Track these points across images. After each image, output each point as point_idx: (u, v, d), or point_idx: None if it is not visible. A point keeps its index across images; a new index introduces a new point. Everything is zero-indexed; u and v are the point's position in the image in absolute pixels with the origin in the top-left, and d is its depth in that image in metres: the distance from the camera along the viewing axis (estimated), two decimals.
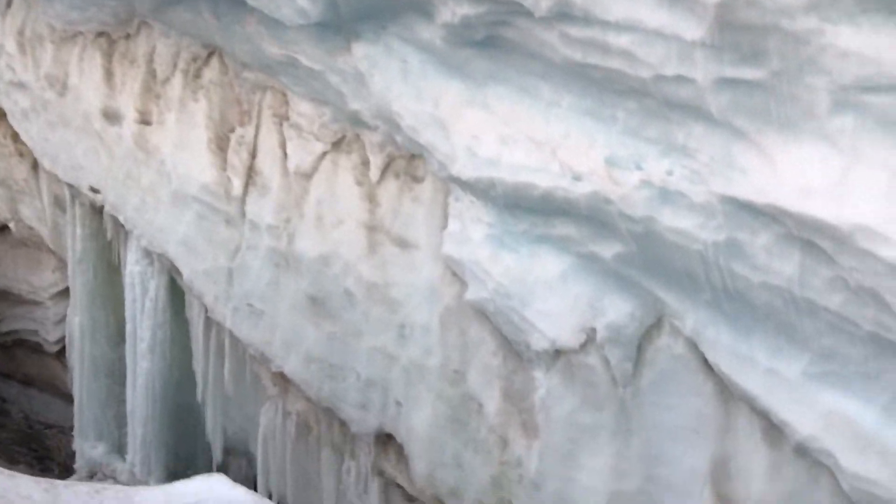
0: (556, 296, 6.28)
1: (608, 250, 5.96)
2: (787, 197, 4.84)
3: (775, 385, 5.30)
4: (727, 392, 5.67)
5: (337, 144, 7.68)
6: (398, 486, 7.94)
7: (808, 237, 4.83)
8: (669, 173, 5.42)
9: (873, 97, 4.56)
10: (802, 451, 5.28)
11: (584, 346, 6.23)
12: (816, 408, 5.14)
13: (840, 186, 4.69)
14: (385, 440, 7.86)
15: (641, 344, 6.02)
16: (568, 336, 6.26)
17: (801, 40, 4.67)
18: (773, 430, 5.43)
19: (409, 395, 7.40)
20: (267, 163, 8.23)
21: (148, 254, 9.52)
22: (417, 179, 7.20)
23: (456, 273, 6.86)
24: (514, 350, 6.61)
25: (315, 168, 7.80)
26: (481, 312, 6.73)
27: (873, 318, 4.73)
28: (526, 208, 6.31)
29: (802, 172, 4.82)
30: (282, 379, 8.49)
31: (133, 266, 9.64)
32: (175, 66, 8.88)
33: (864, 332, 4.83)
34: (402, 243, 7.30)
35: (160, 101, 9.08)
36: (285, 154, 8.06)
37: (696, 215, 5.30)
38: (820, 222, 4.72)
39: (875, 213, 4.58)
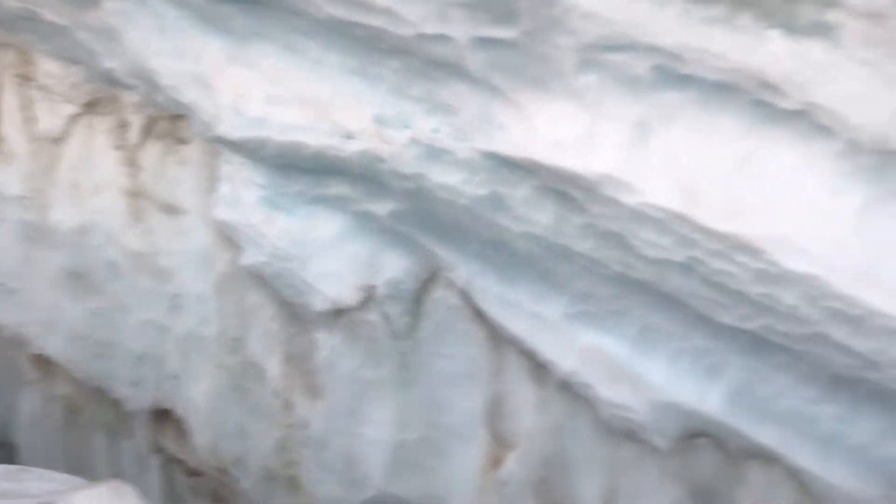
0: (334, 256, 6.31)
1: (382, 208, 6.05)
2: (541, 151, 5.16)
3: (539, 327, 5.68)
4: (498, 337, 6.00)
5: (91, 106, 7.20)
6: (179, 461, 7.72)
7: (562, 188, 5.19)
8: (436, 131, 5.58)
9: (612, 55, 4.93)
10: (565, 387, 5.72)
11: (364, 303, 6.31)
12: (575, 345, 5.58)
13: (587, 140, 5.06)
14: (162, 416, 7.58)
15: (419, 297, 6.20)
16: (348, 295, 6.32)
17: (548, 1, 4.94)
18: (539, 369, 5.82)
19: (185, 368, 7.17)
20: (10, 128, 7.58)
21: None
22: (183, 141, 6.91)
23: (230, 238, 6.69)
24: (295, 313, 6.58)
25: (67, 132, 7.28)
26: (259, 277, 6.61)
27: (619, 259, 5.19)
28: (299, 168, 6.24)
29: (554, 128, 5.15)
30: (43, 361, 7.93)
31: None
32: None
33: (613, 273, 5.28)
34: (170, 209, 7.00)
35: None
36: (32, 118, 7.48)
37: (462, 171, 5.51)
38: (571, 173, 5.08)
39: (618, 164, 4.99)
